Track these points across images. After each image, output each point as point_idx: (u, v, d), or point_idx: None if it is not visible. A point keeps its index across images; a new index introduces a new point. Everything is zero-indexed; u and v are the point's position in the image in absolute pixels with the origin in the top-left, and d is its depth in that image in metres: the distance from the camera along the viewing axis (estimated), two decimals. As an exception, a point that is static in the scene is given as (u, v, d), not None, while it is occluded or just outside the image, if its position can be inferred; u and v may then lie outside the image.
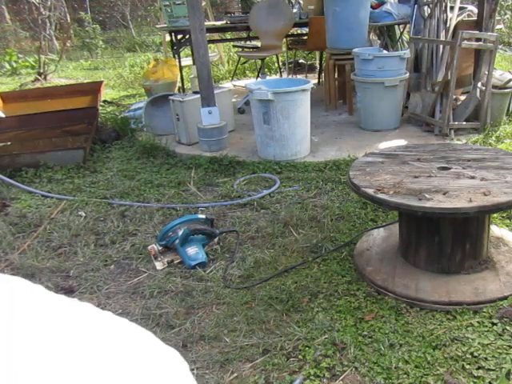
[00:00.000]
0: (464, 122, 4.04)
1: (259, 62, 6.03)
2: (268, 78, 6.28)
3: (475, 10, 4.56)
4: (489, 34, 4.04)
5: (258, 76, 6.42)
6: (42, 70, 7.90)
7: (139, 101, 5.82)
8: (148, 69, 6.28)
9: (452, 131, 3.97)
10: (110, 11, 13.73)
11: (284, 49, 6.52)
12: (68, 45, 10.86)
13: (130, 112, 4.94)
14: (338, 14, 4.50)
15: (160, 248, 2.47)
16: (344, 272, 2.23)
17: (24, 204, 3.20)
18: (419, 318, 1.88)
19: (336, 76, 4.92)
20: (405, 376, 1.61)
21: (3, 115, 4.66)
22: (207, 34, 4.05)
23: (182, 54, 5.76)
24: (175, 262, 2.42)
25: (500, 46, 7.15)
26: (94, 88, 5.40)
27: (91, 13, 12.34)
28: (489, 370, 1.61)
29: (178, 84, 5.96)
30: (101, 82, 5.84)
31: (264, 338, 1.84)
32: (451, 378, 1.58)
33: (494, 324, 1.81)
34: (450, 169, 2.10)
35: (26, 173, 3.68)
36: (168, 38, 6.29)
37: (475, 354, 1.67)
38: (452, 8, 4.39)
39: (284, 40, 6.19)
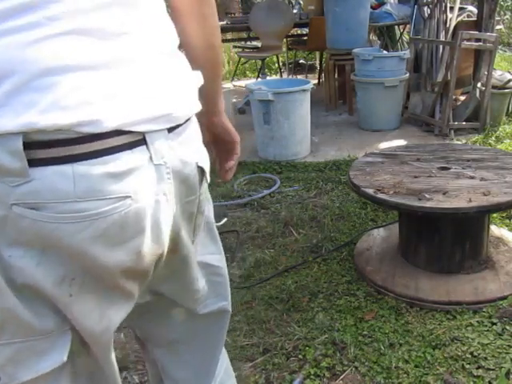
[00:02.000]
0: (464, 122, 4.04)
1: (259, 62, 6.04)
2: (268, 78, 6.28)
3: (475, 11, 4.57)
4: (488, 34, 4.04)
5: (258, 76, 6.43)
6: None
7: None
8: (148, 69, 6.28)
9: (452, 131, 3.97)
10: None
11: (284, 49, 6.52)
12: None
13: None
14: (338, 15, 4.51)
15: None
16: (344, 272, 2.23)
17: (24, 204, 3.20)
18: (419, 318, 1.89)
19: (336, 76, 4.92)
20: (405, 375, 1.62)
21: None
22: (207, 35, 4.05)
23: (182, 55, 5.76)
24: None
25: (500, 47, 7.15)
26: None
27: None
28: (488, 369, 1.61)
29: (179, 84, 5.95)
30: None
31: (264, 338, 1.85)
32: (451, 378, 1.59)
33: (493, 324, 1.82)
34: (449, 169, 2.10)
35: (26, 173, 3.68)
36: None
37: (475, 353, 1.68)
38: (452, 8, 4.40)
39: (284, 40, 6.19)
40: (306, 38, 6.14)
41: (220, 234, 2.74)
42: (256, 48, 6.34)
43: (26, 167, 0.60)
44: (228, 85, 6.37)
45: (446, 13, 4.29)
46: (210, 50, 0.92)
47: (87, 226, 0.63)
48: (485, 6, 4.15)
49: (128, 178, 0.65)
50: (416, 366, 1.65)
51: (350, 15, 4.47)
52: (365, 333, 1.82)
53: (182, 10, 0.85)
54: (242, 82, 6.44)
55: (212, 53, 0.93)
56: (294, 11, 6.04)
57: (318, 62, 6.90)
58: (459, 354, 1.68)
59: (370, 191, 1.95)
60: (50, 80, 0.61)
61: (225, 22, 6.11)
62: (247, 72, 7.64)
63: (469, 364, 1.64)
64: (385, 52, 4.61)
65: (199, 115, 0.85)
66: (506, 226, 2.54)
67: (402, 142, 3.84)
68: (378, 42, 5.70)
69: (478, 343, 1.72)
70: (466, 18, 4.54)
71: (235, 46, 7.48)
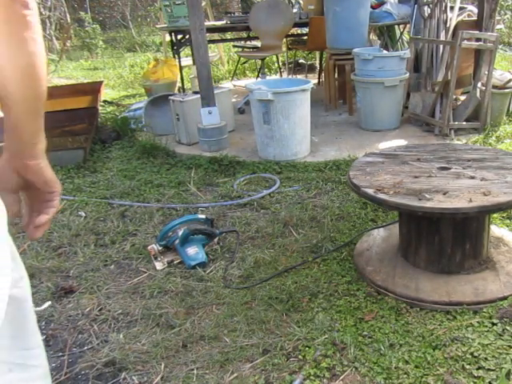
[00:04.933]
0: (464, 122, 4.04)
1: (259, 62, 6.03)
2: (268, 78, 6.28)
3: (475, 10, 4.56)
4: (489, 34, 4.04)
5: (258, 76, 6.42)
6: (42, 70, 7.89)
7: (139, 101, 5.83)
8: (148, 69, 6.29)
9: (452, 131, 3.97)
10: (110, 11, 13.73)
11: (284, 49, 6.52)
12: (68, 45, 10.87)
13: (130, 112, 4.94)
14: (338, 14, 4.50)
15: (160, 248, 2.47)
16: (344, 272, 2.23)
17: (24, 204, 3.19)
18: (419, 318, 1.88)
19: (336, 76, 4.92)
20: (405, 376, 1.61)
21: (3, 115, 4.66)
22: (207, 34, 4.05)
23: (182, 54, 5.76)
24: (175, 262, 2.42)
25: (500, 46, 7.15)
26: (94, 88, 5.40)
27: (91, 13, 12.34)
28: (489, 370, 1.61)
29: (178, 84, 5.96)
30: (101, 82, 5.84)
31: (264, 338, 1.84)
32: (451, 378, 1.58)
33: (494, 324, 1.81)
34: (450, 169, 2.10)
35: (25, 173, 3.67)
36: (168, 38, 6.30)
37: (475, 354, 1.67)
38: (452, 8, 4.39)
39: (284, 40, 6.19)
40: (305, 37, 6.13)
41: (220, 233, 2.75)
42: (256, 48, 6.34)
43: None
44: (228, 84, 6.37)
45: (447, 12, 4.28)
46: (23, 81, 0.78)
47: None
48: (485, 5, 4.15)
49: None
50: (416, 367, 1.64)
51: (350, 15, 4.46)
52: (365, 333, 1.82)
53: None
54: (242, 82, 6.43)
55: (26, 86, 0.79)
56: (294, 11, 6.03)
57: (317, 61, 6.90)
58: (459, 354, 1.68)
59: (370, 191, 1.94)
60: None
61: (224, 22, 6.12)
62: (247, 72, 7.64)
63: (469, 364, 1.63)
64: (385, 52, 4.61)
65: (10, 155, 0.82)
66: (507, 226, 2.53)
67: (402, 142, 3.83)
68: (378, 41, 5.69)
69: (479, 344, 1.71)
70: (467, 18, 4.54)
71: (235, 46, 7.48)
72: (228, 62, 8.08)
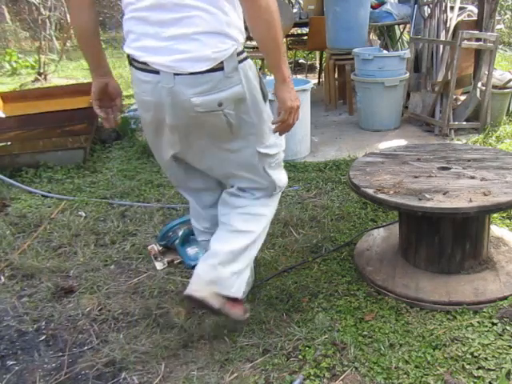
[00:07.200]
0: (464, 122, 4.04)
1: (259, 62, 6.03)
2: (268, 78, 6.27)
3: (475, 10, 4.57)
4: (489, 34, 4.04)
5: (258, 76, 6.41)
6: (42, 70, 7.89)
7: (139, 101, 5.81)
8: (148, 69, 6.27)
9: (452, 131, 3.97)
10: (110, 11, 13.72)
11: (284, 49, 6.52)
12: (68, 45, 10.87)
13: (131, 112, 4.94)
14: (338, 14, 4.50)
15: (160, 248, 2.47)
16: (344, 272, 2.23)
17: (24, 204, 3.19)
18: (419, 318, 1.88)
19: (336, 76, 4.92)
20: (405, 376, 1.61)
21: (3, 115, 4.65)
22: (207, 34, 4.04)
23: (182, 54, 5.75)
24: (175, 261, 2.42)
25: (500, 46, 7.15)
26: (94, 88, 5.38)
27: (91, 13, 12.31)
28: (489, 370, 1.61)
29: (178, 84, 5.95)
30: (101, 82, 5.81)
31: (264, 338, 1.84)
32: (451, 378, 1.58)
33: (494, 324, 1.81)
34: (450, 169, 2.10)
35: (26, 173, 3.67)
36: (168, 38, 6.29)
37: (475, 354, 1.67)
38: (452, 8, 4.40)
39: (284, 40, 6.18)
40: (305, 37, 6.14)
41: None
42: (256, 48, 6.34)
43: None
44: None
45: (447, 12, 4.29)
46: (258, 32, 1.70)
47: None
48: (485, 5, 4.15)
49: None
50: (416, 367, 1.65)
51: (350, 15, 4.46)
52: (365, 333, 1.82)
53: None
54: (242, 82, 6.41)
55: (262, 35, 1.73)
56: (294, 11, 6.04)
57: (318, 61, 6.89)
58: (459, 354, 1.68)
59: (370, 191, 1.94)
60: None
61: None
62: (247, 72, 7.63)
63: (469, 364, 1.63)
64: (385, 52, 4.61)
65: None
66: (507, 226, 2.53)
67: (402, 142, 3.83)
68: (378, 41, 5.70)
69: (479, 343, 1.72)
70: (467, 18, 4.54)
71: (235, 46, 7.47)
72: (228, 62, 8.07)
